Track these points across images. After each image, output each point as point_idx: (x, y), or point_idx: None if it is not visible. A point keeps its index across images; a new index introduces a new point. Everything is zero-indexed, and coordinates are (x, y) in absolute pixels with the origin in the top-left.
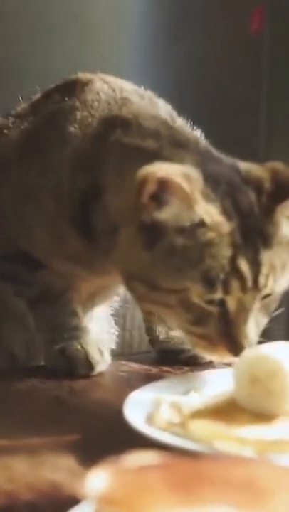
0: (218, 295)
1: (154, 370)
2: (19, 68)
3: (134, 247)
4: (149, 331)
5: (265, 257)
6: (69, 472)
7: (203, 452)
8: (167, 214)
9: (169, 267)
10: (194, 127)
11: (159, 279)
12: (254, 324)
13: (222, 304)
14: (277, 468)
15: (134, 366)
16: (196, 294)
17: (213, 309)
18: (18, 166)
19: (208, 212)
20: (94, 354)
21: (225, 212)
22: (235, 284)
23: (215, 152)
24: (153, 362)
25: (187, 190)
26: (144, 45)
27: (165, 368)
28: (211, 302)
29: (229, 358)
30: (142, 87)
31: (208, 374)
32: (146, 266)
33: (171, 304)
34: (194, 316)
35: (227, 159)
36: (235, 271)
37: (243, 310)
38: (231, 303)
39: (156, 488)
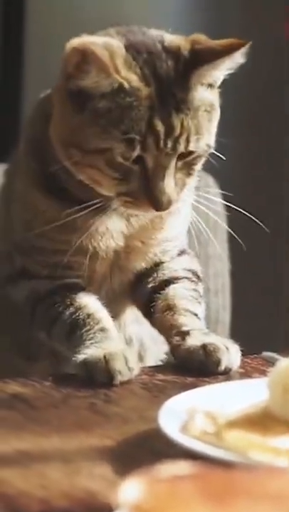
0: (136, 153)
1: (190, 379)
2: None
3: (65, 114)
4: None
5: (177, 119)
6: (104, 480)
7: (237, 462)
8: (89, 81)
9: (95, 128)
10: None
11: (88, 142)
12: (172, 181)
13: (142, 161)
14: None
15: (169, 375)
16: (119, 153)
17: (135, 167)
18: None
19: (128, 78)
20: (116, 363)
21: (144, 78)
22: (150, 143)
23: (144, 28)
24: (187, 371)
25: (104, 59)
26: None
27: (200, 378)
28: (132, 160)
29: (152, 212)
30: None
31: (243, 384)
32: (77, 130)
33: (100, 167)
34: (119, 174)
35: (154, 31)
36: (151, 131)
37: (160, 167)
38: (149, 160)
39: (189, 498)
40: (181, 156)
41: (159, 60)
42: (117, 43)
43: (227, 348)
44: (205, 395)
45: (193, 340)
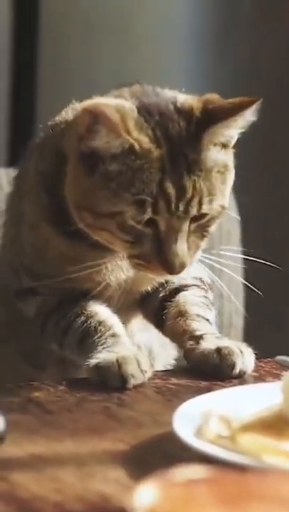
0: (147, 215)
1: (204, 383)
2: (68, 80)
3: (77, 176)
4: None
5: (189, 181)
6: (118, 484)
7: (252, 466)
8: (99, 142)
9: (106, 191)
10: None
11: (99, 206)
12: (185, 244)
13: (154, 224)
14: None
15: (183, 379)
16: (130, 216)
17: (147, 230)
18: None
19: (139, 140)
20: (128, 366)
21: (155, 140)
22: (162, 206)
23: (158, 88)
24: (201, 375)
25: (115, 120)
26: (192, 59)
27: (214, 382)
28: (144, 223)
29: (165, 276)
30: None
31: (256, 388)
32: (88, 193)
33: (112, 230)
34: (132, 237)
35: (168, 92)
36: (162, 193)
37: (173, 230)
38: (161, 223)
39: (204, 502)
40: (194, 219)
41: (171, 121)
42: (129, 105)
43: (241, 352)
44: (219, 398)
45: (208, 344)
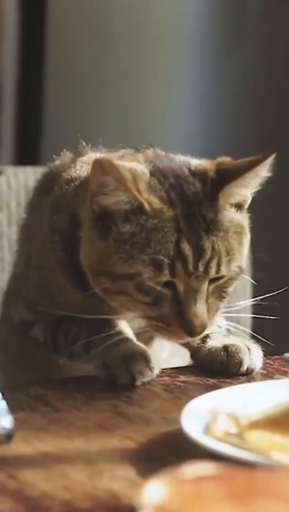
0: (165, 277)
1: (212, 380)
2: (75, 78)
3: (92, 240)
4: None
5: (208, 242)
6: (127, 481)
7: (260, 463)
8: (110, 199)
9: (122, 254)
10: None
11: (116, 268)
12: (204, 305)
13: (173, 286)
14: None
15: (192, 376)
16: (148, 278)
17: (166, 291)
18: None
19: (149, 200)
20: (136, 364)
21: (168, 201)
22: (179, 267)
23: (171, 154)
24: (209, 373)
25: (126, 176)
26: (199, 59)
27: (222, 379)
28: (163, 285)
29: (185, 339)
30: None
31: (264, 385)
32: (103, 257)
33: (129, 292)
34: (150, 299)
35: (181, 158)
36: (179, 254)
37: (192, 291)
38: (180, 285)
39: (213, 499)
40: (213, 280)
41: (186, 183)
42: (141, 168)
43: (249, 349)
44: (227, 396)
45: (215, 342)
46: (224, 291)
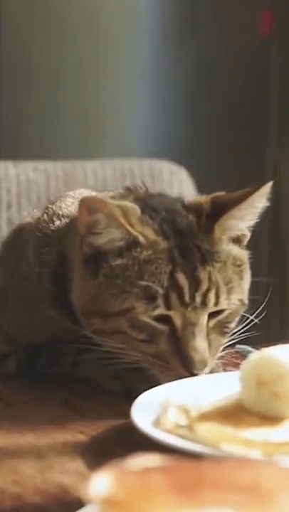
0: (160, 310)
1: None
2: (30, 70)
3: (83, 281)
4: None
5: (204, 272)
6: (77, 475)
7: (209, 454)
8: (103, 240)
9: (113, 289)
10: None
11: (107, 305)
12: (204, 340)
13: (169, 321)
14: (280, 469)
15: None
16: (142, 311)
17: (162, 327)
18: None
19: (143, 233)
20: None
21: (161, 232)
22: (174, 299)
23: (163, 193)
24: None
25: (116, 213)
26: (153, 48)
27: None
28: (158, 319)
29: (186, 377)
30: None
31: (215, 377)
32: (95, 295)
33: (123, 329)
34: (146, 335)
35: (173, 196)
36: (174, 285)
37: (190, 325)
38: (177, 319)
39: (159, 490)
40: (213, 314)
41: (179, 216)
42: (132, 205)
43: None
44: (178, 388)
45: None
46: (226, 327)
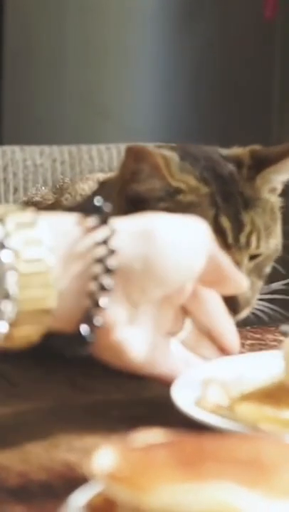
0: None
1: None
2: (34, 56)
3: None
4: None
5: (247, 216)
6: (83, 453)
7: (247, 434)
8: (145, 186)
9: None
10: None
11: None
12: (247, 280)
13: None
14: (283, 445)
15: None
16: None
17: None
18: None
19: (184, 180)
20: None
21: (203, 179)
22: (218, 241)
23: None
24: None
25: (159, 162)
26: (158, 31)
27: None
28: None
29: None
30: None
31: (259, 356)
32: None
33: None
34: None
35: (208, 147)
36: (218, 228)
37: (235, 264)
38: None
39: (162, 465)
40: (252, 257)
41: (219, 165)
42: (171, 154)
43: None
44: (220, 366)
45: None
46: (263, 271)
